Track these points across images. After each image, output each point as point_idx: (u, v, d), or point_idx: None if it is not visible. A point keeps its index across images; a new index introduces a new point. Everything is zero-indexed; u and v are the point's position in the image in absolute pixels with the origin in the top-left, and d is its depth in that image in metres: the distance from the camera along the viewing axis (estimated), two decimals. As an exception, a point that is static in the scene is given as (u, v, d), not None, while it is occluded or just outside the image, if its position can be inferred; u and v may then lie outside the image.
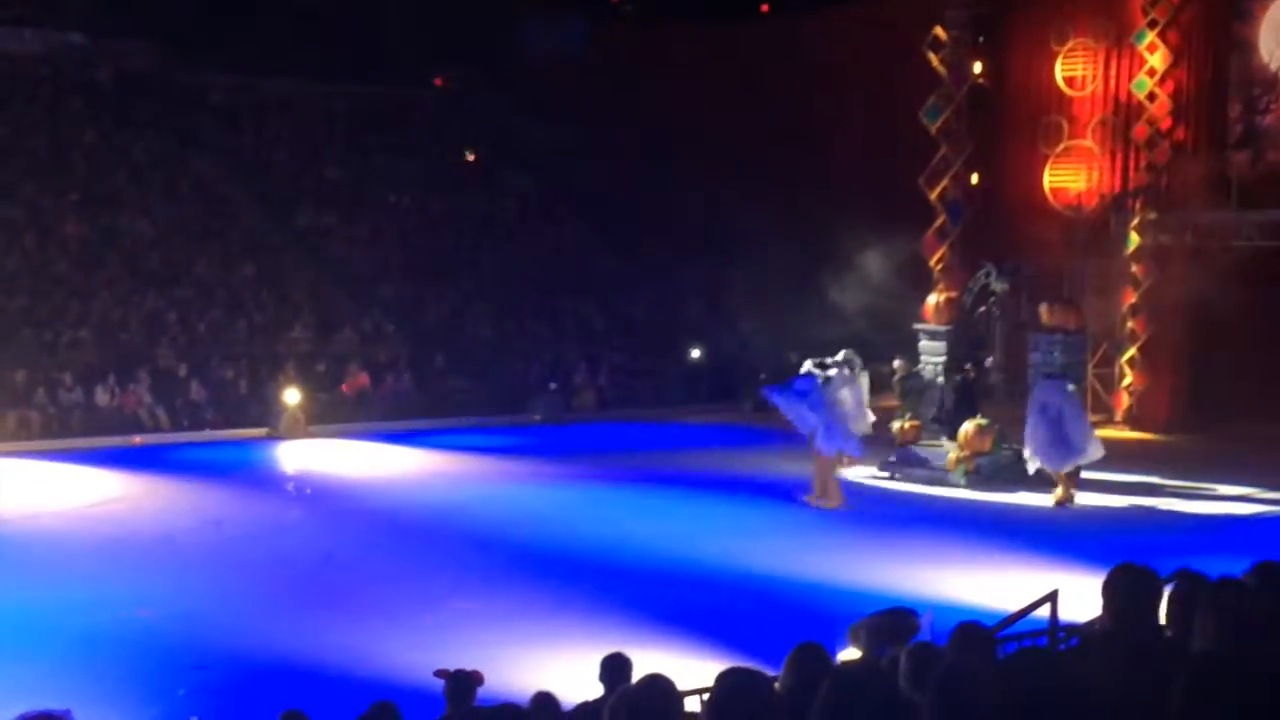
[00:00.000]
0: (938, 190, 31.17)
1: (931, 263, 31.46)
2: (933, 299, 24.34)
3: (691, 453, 21.94)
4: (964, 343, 23.14)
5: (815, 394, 20.26)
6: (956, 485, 21.75)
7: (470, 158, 38.44)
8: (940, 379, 23.13)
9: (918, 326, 24.28)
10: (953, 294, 24.02)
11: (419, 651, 11.82)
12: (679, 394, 31.12)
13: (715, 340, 32.54)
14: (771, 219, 32.40)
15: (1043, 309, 22.93)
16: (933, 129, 30.92)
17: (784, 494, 20.55)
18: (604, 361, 31.87)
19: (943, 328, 23.46)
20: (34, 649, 12.63)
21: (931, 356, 23.48)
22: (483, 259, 33.64)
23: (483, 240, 34.34)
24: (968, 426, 22.07)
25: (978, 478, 21.77)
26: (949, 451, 22.17)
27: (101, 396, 26.33)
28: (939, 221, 31.34)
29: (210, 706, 10.34)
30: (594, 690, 7.97)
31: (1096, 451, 20.64)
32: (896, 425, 23.16)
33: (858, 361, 21.70)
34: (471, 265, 33.36)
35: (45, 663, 12.07)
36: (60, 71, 34.62)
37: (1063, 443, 20.30)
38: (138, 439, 25.53)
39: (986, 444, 22.04)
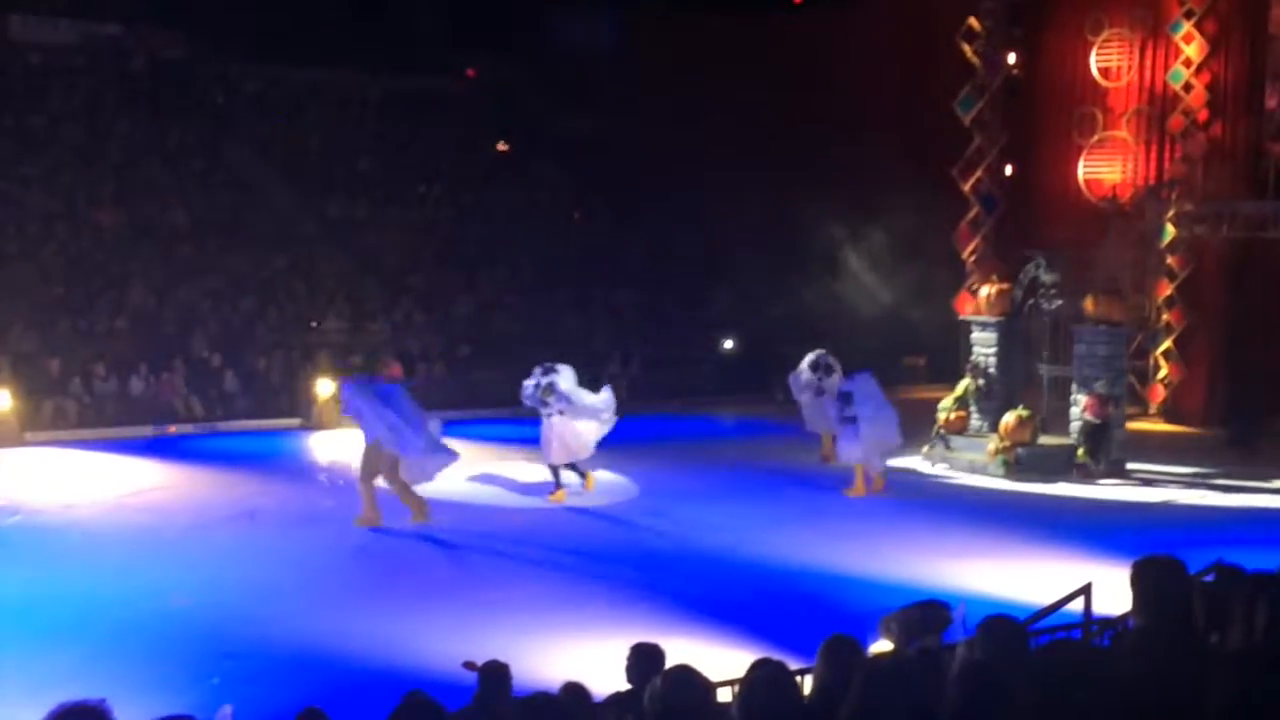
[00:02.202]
0: (971, 181, 31.09)
1: (965, 254, 31.41)
2: (985, 291, 24.39)
3: (722, 443, 21.92)
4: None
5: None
6: (996, 476, 21.79)
7: (502, 148, 38.49)
8: (993, 370, 23.40)
9: (970, 318, 24.51)
10: (1005, 286, 23.99)
11: (448, 642, 11.84)
12: (710, 385, 31.11)
13: (747, 331, 32.48)
14: (803, 210, 32.35)
15: (1088, 300, 22.90)
16: (966, 120, 30.85)
17: (816, 485, 20.51)
18: (635, 353, 31.85)
19: (994, 319, 23.64)
20: (69, 638, 12.69)
21: (984, 348, 23.67)
22: (514, 250, 33.62)
23: (514, 231, 34.32)
24: (1009, 418, 22.15)
25: (1018, 469, 21.77)
26: (990, 443, 22.26)
27: (136, 386, 26.46)
28: (973, 213, 31.28)
29: (242, 695, 10.34)
30: (623, 680, 7.95)
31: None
32: (942, 416, 23.19)
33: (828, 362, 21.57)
34: (503, 256, 33.35)
35: (80, 651, 12.13)
36: (95, 62, 34.83)
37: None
38: (172, 429, 25.67)
39: (1026, 435, 22.08)
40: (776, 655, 5.46)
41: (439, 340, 30.67)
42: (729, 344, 32.52)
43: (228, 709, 8.51)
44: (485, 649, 8.58)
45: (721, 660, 9.90)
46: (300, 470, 22.67)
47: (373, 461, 17.74)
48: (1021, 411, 22.24)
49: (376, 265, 32.32)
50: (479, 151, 37.32)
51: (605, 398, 19.49)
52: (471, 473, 20.71)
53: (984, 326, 23.87)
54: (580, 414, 19.16)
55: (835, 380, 21.07)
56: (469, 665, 8.16)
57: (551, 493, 19.54)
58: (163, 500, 18.86)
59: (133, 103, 33.41)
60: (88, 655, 11.99)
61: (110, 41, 35.84)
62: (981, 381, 23.63)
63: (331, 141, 34.95)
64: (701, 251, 34.08)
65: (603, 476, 20.35)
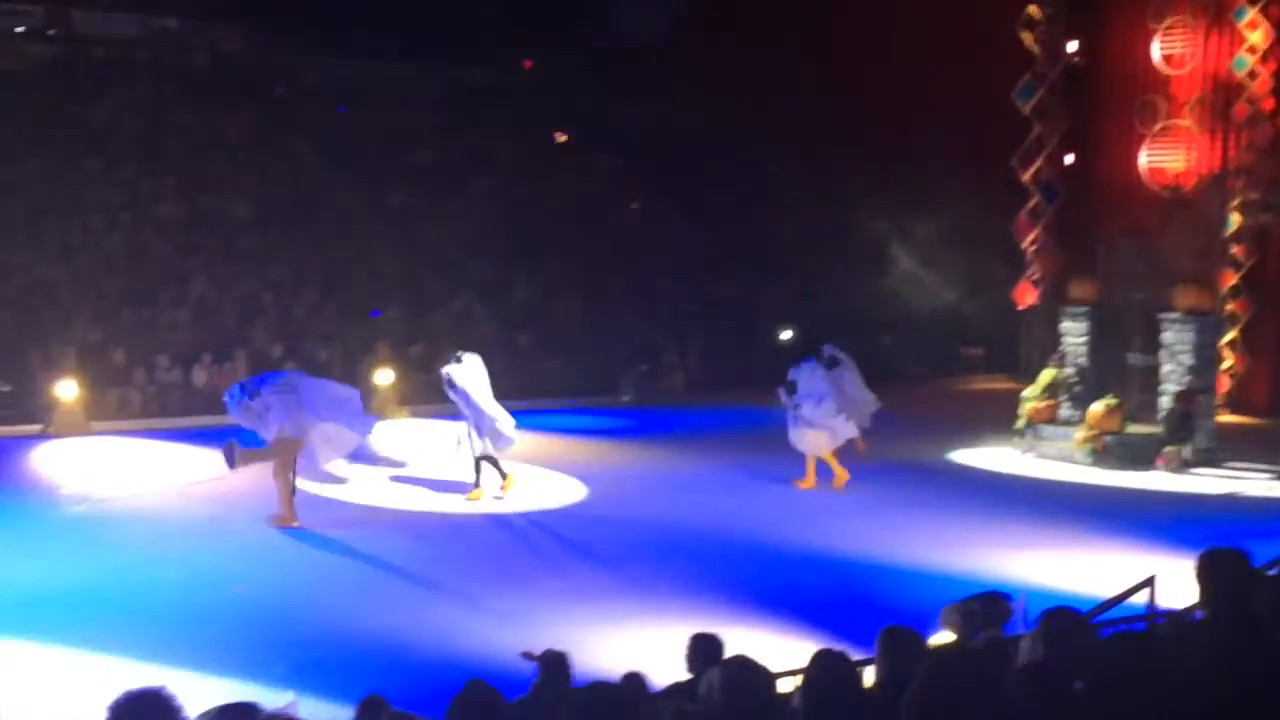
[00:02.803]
0: (1031, 171, 30.88)
1: (1024, 244, 31.23)
2: (1077, 281, 24.52)
3: (780, 434, 21.66)
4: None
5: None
6: (1083, 464, 21.73)
7: (560, 138, 38.54)
8: (1083, 359, 23.45)
9: (1062, 307, 24.61)
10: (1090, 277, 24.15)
11: (507, 631, 11.89)
12: (768, 376, 30.95)
13: (804, 321, 32.41)
14: (862, 199, 32.26)
15: (1176, 290, 22.86)
16: (1026, 109, 30.64)
17: (876, 476, 20.39)
18: (693, 343, 31.83)
19: (1084, 308, 23.78)
20: (135, 625, 12.83)
21: (1074, 338, 23.73)
22: (572, 240, 33.63)
23: (572, 221, 34.32)
24: (1097, 406, 22.16)
25: (1105, 457, 21.72)
26: (1078, 431, 22.27)
27: (199, 376, 26.69)
28: (1033, 202, 31.08)
29: (305, 683, 10.45)
30: (683, 670, 7.96)
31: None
32: (1028, 406, 23.17)
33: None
34: (561, 246, 33.36)
35: (146, 639, 12.25)
36: (156, 56, 35.09)
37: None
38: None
39: (1115, 424, 22.05)
40: (836, 647, 5.44)
41: (498, 330, 30.77)
42: (787, 334, 32.46)
43: (291, 696, 8.61)
44: (544, 638, 8.61)
45: (781, 651, 9.90)
46: (360, 460, 22.78)
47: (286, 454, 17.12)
48: (1110, 400, 22.27)
49: (436, 256, 32.44)
50: (537, 142, 37.35)
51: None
52: (528, 461, 20.75)
53: (1074, 315, 24.01)
54: (468, 406, 18.35)
55: (844, 372, 20.56)
56: (528, 655, 8.19)
57: (469, 491, 18.80)
58: (226, 489, 19.01)
59: (193, 96, 33.65)
60: (153, 642, 12.11)
61: (171, 35, 36.17)
62: (1070, 370, 23.62)
63: (390, 133, 35.07)
64: (761, 241, 33.98)
65: (661, 466, 20.29)
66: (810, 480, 19.75)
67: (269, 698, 9.74)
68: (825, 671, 5.12)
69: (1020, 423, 23.31)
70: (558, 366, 29.86)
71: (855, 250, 33.61)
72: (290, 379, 17.90)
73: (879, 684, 6.03)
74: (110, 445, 23.16)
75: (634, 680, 7.44)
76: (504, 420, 18.55)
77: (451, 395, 18.52)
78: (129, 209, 30.61)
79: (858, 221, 33.08)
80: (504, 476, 18.79)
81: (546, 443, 23.01)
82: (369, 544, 16.36)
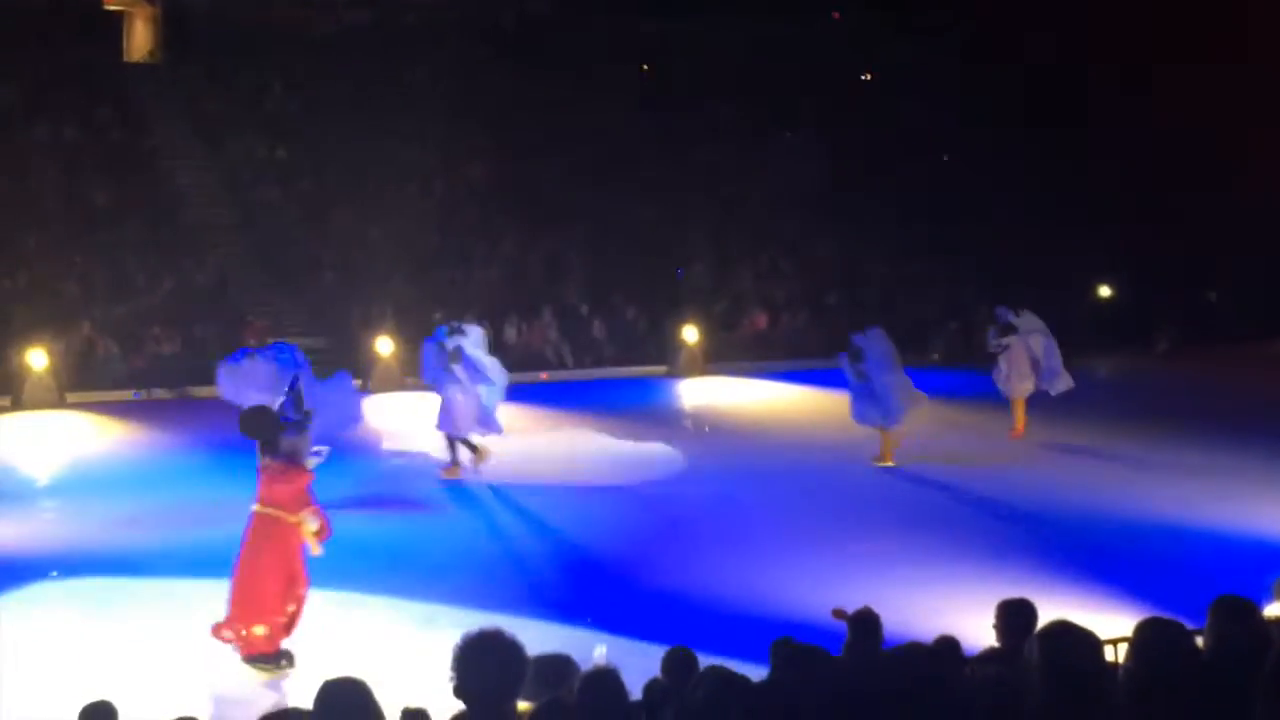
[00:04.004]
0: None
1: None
2: None
3: (1101, 397, 20.92)
4: None
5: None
6: None
7: (865, 78, 37.98)
8: None
9: None
10: None
11: (816, 590, 11.72)
12: (1084, 334, 29.81)
13: (1128, 276, 31.15)
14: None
15: None
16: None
17: (1193, 441, 19.38)
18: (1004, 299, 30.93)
19: None
20: (438, 576, 13.16)
21: None
22: (879, 193, 32.96)
23: (879, 174, 33.67)
24: None
25: None
26: None
27: (509, 334, 27.21)
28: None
29: (614, 634, 10.55)
30: (993, 638, 7.68)
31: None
32: None
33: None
34: (867, 200, 32.74)
35: (447, 588, 12.55)
36: (466, 16, 35.76)
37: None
38: (544, 375, 26.34)
39: None
40: (1162, 615, 5.09)
41: (803, 288, 30.52)
42: (1106, 291, 31.28)
43: (602, 648, 8.64)
44: (855, 598, 8.39)
45: (1098, 620, 9.46)
46: (666, 417, 22.93)
47: None
48: None
49: (741, 212, 32.32)
50: (843, 94, 36.77)
51: (495, 363, 17.66)
52: (839, 423, 20.42)
53: None
54: (480, 379, 17.24)
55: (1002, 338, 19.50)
56: (839, 614, 8.00)
57: (446, 468, 17.66)
58: (531, 446, 19.30)
59: (501, 58, 34.21)
60: (459, 590, 12.40)
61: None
62: None
63: (695, 89, 35.04)
64: (1084, 191, 32.68)
65: (970, 427, 19.70)
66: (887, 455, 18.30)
67: (582, 649, 9.85)
68: (1159, 638, 4.79)
69: None
70: (863, 323, 29.38)
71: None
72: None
73: (1211, 652, 5.63)
74: (421, 400, 23.84)
75: (947, 644, 7.18)
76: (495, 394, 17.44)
77: (456, 369, 17.14)
78: (441, 171, 31.38)
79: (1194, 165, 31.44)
80: (475, 451, 17.48)
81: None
82: (671, 499, 16.44)
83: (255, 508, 10.90)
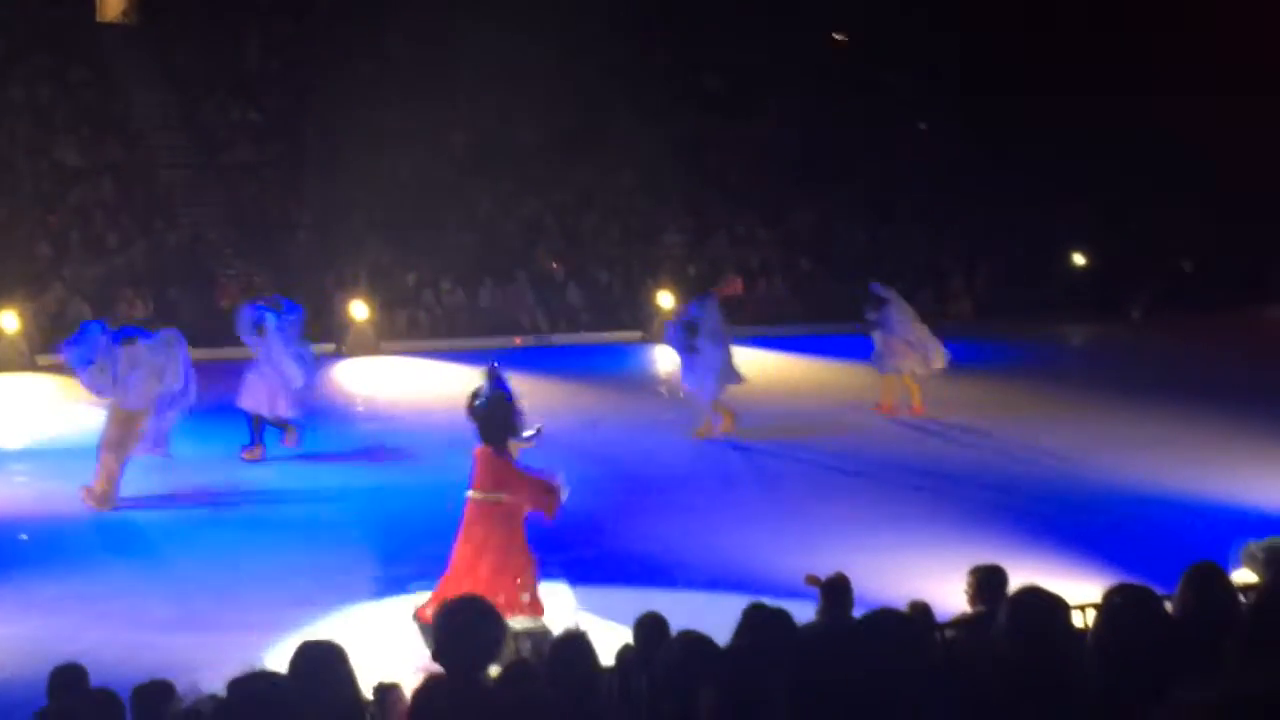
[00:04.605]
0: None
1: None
2: None
3: (1073, 364, 21.02)
4: None
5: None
6: None
7: (839, 37, 37.75)
8: None
9: None
10: None
11: (790, 556, 11.73)
12: (1059, 303, 29.90)
13: (1101, 246, 31.20)
14: (1159, 114, 30.71)
15: None
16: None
17: (1163, 402, 19.47)
18: (981, 269, 31.00)
19: None
20: (417, 535, 13.18)
21: None
22: (857, 161, 32.91)
23: (857, 143, 33.61)
24: None
25: None
26: None
27: (484, 297, 27.16)
28: None
29: (577, 592, 10.68)
30: (965, 603, 7.71)
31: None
32: None
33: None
34: (846, 168, 32.67)
35: (434, 549, 12.55)
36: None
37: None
38: (518, 340, 26.30)
39: None
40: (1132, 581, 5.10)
41: (779, 254, 30.50)
42: (1080, 259, 31.33)
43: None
44: (827, 564, 8.42)
45: (1068, 586, 9.49)
46: (640, 382, 22.91)
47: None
48: None
49: (720, 180, 32.24)
50: (823, 63, 36.61)
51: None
52: (817, 388, 20.48)
53: None
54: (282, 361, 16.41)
55: (887, 313, 19.03)
56: (811, 580, 8.01)
57: (248, 449, 16.65)
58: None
59: (478, 24, 33.94)
60: (433, 556, 12.40)
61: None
62: None
63: (678, 57, 34.87)
64: (1051, 161, 32.66)
65: (945, 395, 19.72)
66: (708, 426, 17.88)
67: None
68: (1127, 604, 4.80)
69: None
70: (840, 291, 29.40)
71: (1160, 169, 31.93)
72: (168, 336, 15.00)
73: (1180, 620, 5.65)
74: (399, 365, 23.77)
75: (919, 609, 7.20)
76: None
77: (254, 341, 16.48)
78: (417, 135, 31.18)
79: (1162, 137, 31.45)
80: (285, 430, 16.85)
81: (829, 368, 22.70)
82: (645, 464, 16.48)
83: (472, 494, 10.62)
